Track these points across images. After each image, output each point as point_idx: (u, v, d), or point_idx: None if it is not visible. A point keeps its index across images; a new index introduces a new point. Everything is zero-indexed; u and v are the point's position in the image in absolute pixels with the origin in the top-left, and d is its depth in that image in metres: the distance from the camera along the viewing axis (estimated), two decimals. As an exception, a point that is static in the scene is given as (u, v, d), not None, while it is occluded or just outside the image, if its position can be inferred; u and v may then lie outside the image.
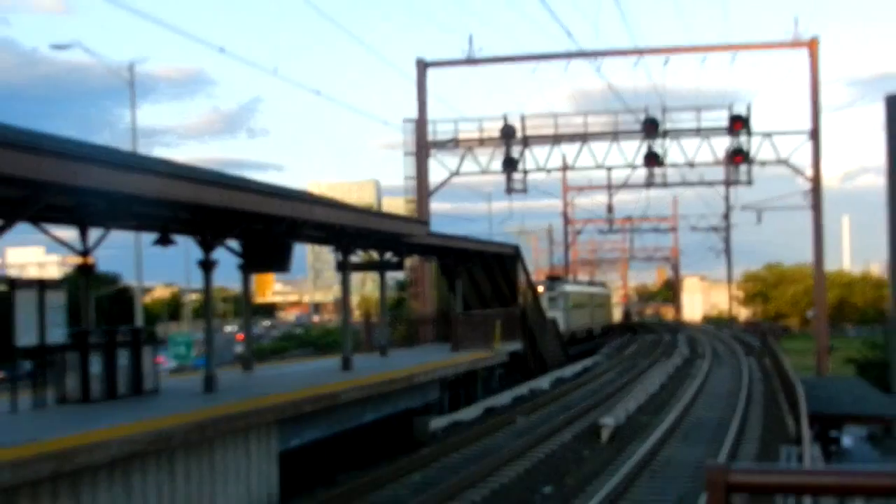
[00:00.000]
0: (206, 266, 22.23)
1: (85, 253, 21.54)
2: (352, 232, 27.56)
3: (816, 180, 49.60)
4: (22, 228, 17.73)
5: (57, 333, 18.63)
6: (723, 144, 49.78)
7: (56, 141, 16.13)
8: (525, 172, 51.66)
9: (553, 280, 60.30)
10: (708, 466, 2.75)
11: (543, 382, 40.65)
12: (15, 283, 18.94)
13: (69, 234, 21.45)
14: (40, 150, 14.39)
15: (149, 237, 25.43)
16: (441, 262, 43.03)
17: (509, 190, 52.28)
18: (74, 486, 13.53)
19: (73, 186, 15.21)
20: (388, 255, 32.99)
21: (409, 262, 40.91)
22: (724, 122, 48.71)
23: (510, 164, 50.90)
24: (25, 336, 17.89)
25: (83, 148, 17.22)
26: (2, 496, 12.27)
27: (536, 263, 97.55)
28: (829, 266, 64.02)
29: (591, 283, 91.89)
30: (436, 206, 52.79)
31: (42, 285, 18.84)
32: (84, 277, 22.71)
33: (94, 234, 21.58)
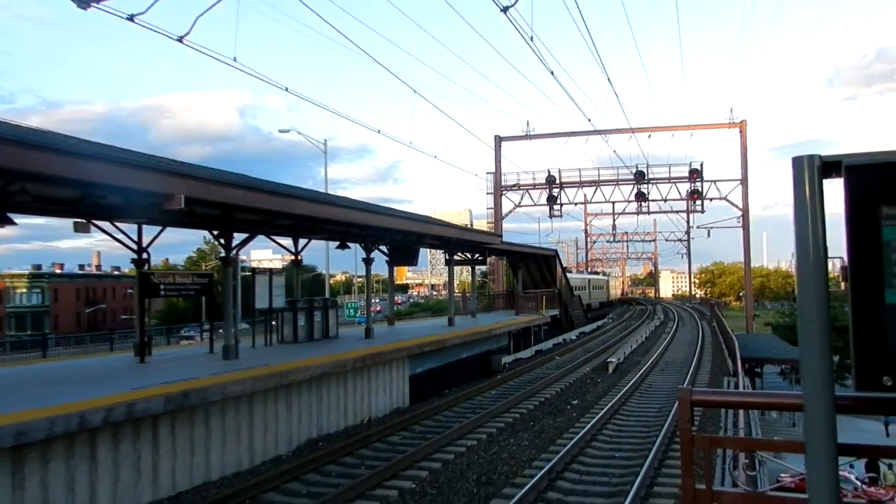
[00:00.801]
0: (367, 262, 22.53)
1: (296, 253, 21.99)
2: (454, 241, 27.62)
3: (745, 210, 48.53)
4: (259, 238, 18.20)
5: (279, 301, 19.08)
6: (685, 187, 49.23)
7: (281, 186, 16.51)
8: (561, 205, 51.47)
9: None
10: (679, 389, 2.73)
11: (572, 335, 40.17)
12: (255, 271, 19.43)
13: (287, 241, 21.91)
14: (273, 192, 14.75)
15: (333, 244, 25.83)
16: (509, 259, 42.99)
17: (551, 215, 52.20)
18: (288, 394, 13.82)
19: (291, 213, 15.56)
20: (477, 256, 33.00)
21: (489, 259, 40.78)
22: (686, 174, 48.37)
23: (552, 200, 50.79)
24: (260, 303, 18.36)
25: (295, 189, 17.60)
26: (246, 399, 12.60)
27: (567, 262, 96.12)
28: (754, 264, 61.84)
29: (593, 273, 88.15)
30: (506, 225, 52.70)
31: (271, 272, 19.31)
32: (295, 268, 23.20)
33: (301, 242, 22.01)
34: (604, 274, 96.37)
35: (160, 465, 10.63)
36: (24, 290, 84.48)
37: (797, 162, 2.05)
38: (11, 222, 12.01)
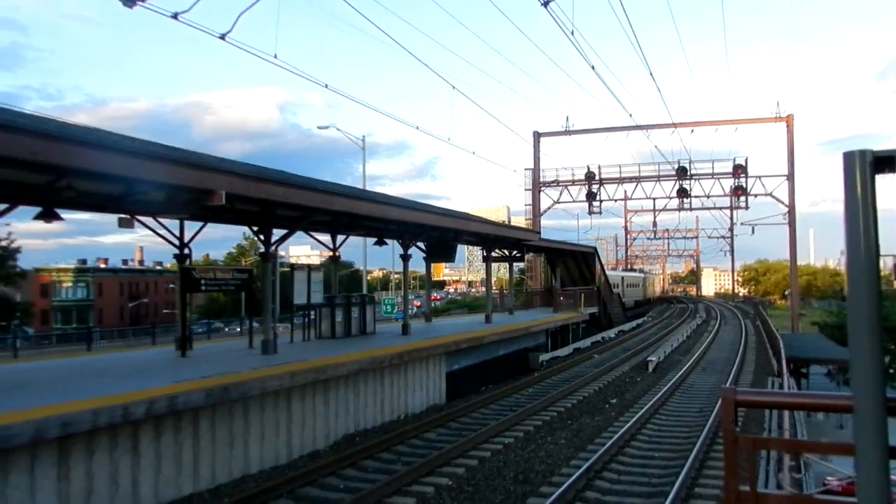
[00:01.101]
0: (405, 258, 22.60)
1: (334, 250, 22.16)
2: (492, 238, 27.58)
3: (791, 206, 47.41)
4: (297, 234, 18.37)
5: (317, 297, 19.26)
6: (729, 183, 48.29)
7: (320, 182, 16.63)
8: (601, 201, 50.92)
9: None
10: (723, 389, 2.70)
11: (611, 333, 39.82)
12: (293, 267, 19.66)
13: (325, 238, 22.13)
14: (312, 188, 14.89)
15: (370, 240, 25.98)
16: (547, 257, 42.72)
17: (590, 212, 51.67)
18: (325, 388, 13.96)
19: (329, 210, 15.68)
20: (514, 252, 32.89)
21: (527, 256, 40.57)
22: (730, 169, 47.45)
23: (591, 196, 50.33)
24: (298, 298, 18.54)
25: (334, 186, 17.72)
26: (284, 393, 12.77)
27: (607, 259, 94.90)
28: (800, 262, 60.45)
29: (630, 270, 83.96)
30: (544, 222, 52.25)
31: (309, 268, 19.50)
32: (333, 264, 23.39)
33: (339, 238, 22.17)
34: (640, 271, 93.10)
35: (200, 458, 10.84)
36: (70, 285, 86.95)
37: (848, 157, 2.01)
38: (59, 217, 12.36)
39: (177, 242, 16.12)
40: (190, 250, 16.48)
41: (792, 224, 47.73)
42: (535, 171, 51.80)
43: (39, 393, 10.24)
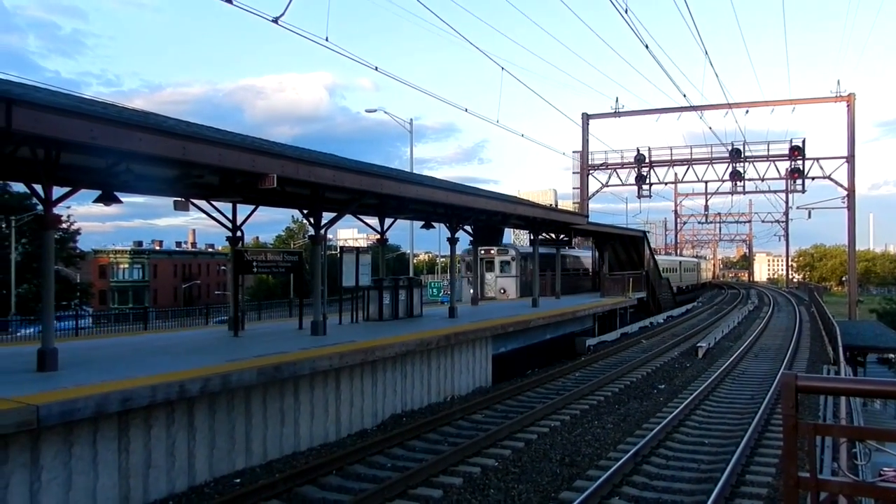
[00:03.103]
0: (452, 241, 22.60)
1: (381, 233, 22.31)
2: (539, 221, 27.39)
3: (851, 190, 45.80)
4: (346, 218, 18.53)
5: (365, 279, 19.44)
6: (784, 166, 46.73)
7: (368, 165, 16.75)
8: (650, 184, 49.86)
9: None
10: (784, 374, 2.65)
11: (659, 318, 39.28)
12: (342, 250, 19.87)
13: (373, 221, 22.29)
14: (361, 172, 15.00)
15: (417, 224, 26.08)
16: (595, 240, 42.22)
17: (639, 196, 50.62)
18: (373, 369, 14.12)
19: (378, 193, 15.77)
20: (562, 236, 32.59)
21: (575, 240, 40.19)
22: (786, 151, 45.87)
23: (640, 179, 49.30)
24: (347, 280, 18.75)
25: (382, 169, 17.82)
26: (333, 373, 12.96)
27: (656, 244, 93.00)
28: (859, 247, 58.55)
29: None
30: (592, 206, 51.34)
31: (357, 251, 19.68)
32: (380, 247, 23.55)
33: (387, 221, 22.29)
34: (667, 253, 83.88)
35: (253, 435, 11.11)
36: (127, 266, 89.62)
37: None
38: (118, 200, 12.71)
39: (230, 225, 16.45)
40: (242, 233, 16.81)
41: (851, 208, 46.10)
42: (584, 153, 51.03)
43: (101, 369, 10.60)
